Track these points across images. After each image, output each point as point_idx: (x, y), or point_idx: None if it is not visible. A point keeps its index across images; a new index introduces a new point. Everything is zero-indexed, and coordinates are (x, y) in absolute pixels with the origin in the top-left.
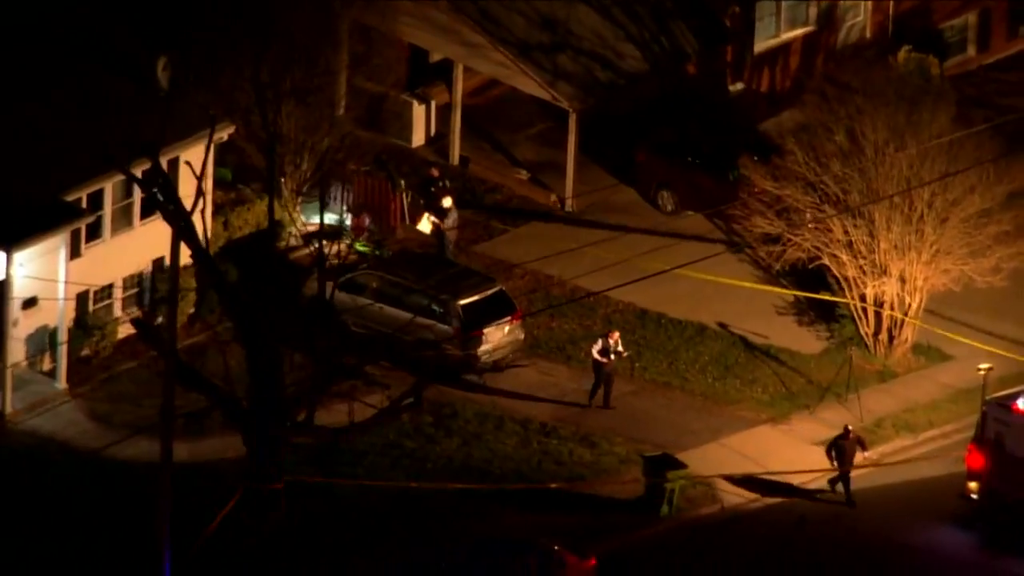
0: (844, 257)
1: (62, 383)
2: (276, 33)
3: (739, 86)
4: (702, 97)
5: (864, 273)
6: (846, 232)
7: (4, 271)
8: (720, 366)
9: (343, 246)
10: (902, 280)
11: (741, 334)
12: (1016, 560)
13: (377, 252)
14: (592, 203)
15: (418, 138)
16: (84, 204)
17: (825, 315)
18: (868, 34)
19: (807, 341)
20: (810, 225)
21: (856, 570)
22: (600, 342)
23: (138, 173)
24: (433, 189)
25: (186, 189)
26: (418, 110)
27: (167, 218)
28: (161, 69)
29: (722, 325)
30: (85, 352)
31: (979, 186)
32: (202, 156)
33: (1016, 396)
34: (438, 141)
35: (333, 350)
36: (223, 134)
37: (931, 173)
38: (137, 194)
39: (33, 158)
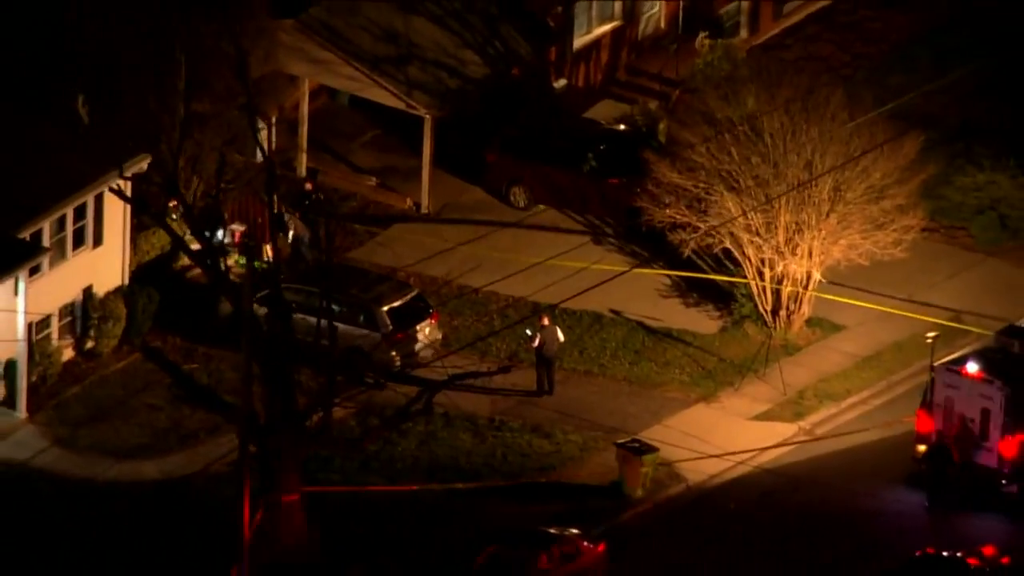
0: (746, 238)
1: (22, 412)
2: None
3: (562, 82)
4: (532, 95)
5: (763, 252)
6: (746, 215)
7: None
8: (630, 351)
9: (231, 262)
10: (806, 256)
11: (637, 319)
12: (966, 516)
13: (260, 264)
14: (446, 204)
15: (261, 154)
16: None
17: (710, 295)
18: (663, 24)
19: (701, 321)
20: (667, 209)
21: (820, 535)
22: (538, 337)
23: (70, 209)
24: (307, 202)
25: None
26: (262, 127)
27: (192, 255)
28: (80, 105)
29: (615, 312)
30: (32, 379)
31: (880, 160)
32: (123, 187)
33: (964, 360)
34: (279, 155)
35: (342, 364)
36: (142, 164)
37: (833, 153)
38: (70, 228)
39: None
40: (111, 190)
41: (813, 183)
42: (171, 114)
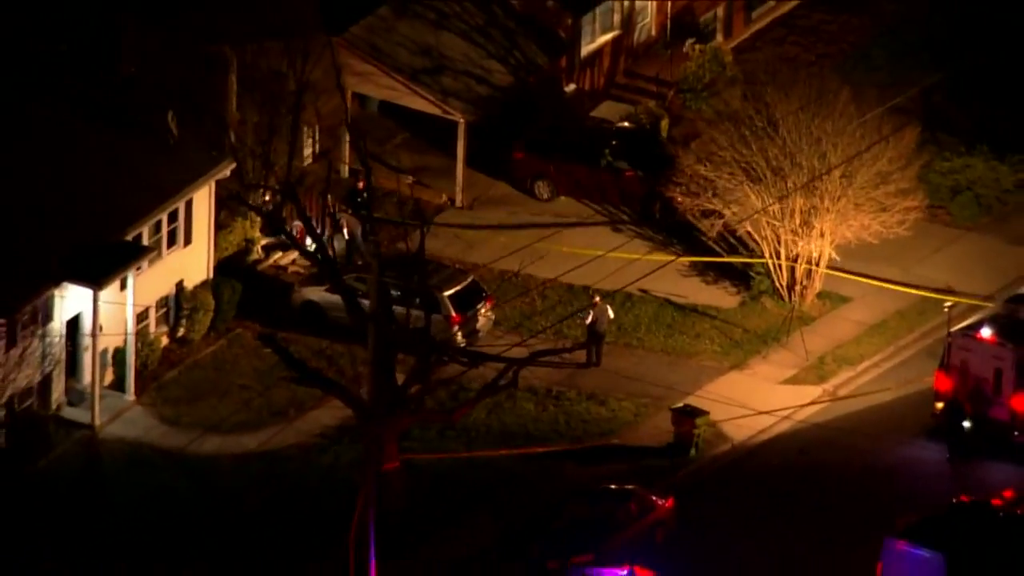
0: (764, 221)
1: (131, 394)
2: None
3: (572, 87)
4: (547, 99)
5: (780, 233)
6: (766, 204)
7: (93, 305)
8: (662, 325)
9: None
10: (819, 236)
11: (664, 297)
12: (979, 464)
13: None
14: (475, 198)
15: (308, 157)
16: None
17: (727, 273)
18: (654, 32)
19: (722, 297)
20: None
21: (854, 484)
22: (591, 314)
23: (164, 214)
24: (359, 199)
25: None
26: (308, 132)
27: (305, 253)
28: (170, 119)
29: (643, 291)
30: (136, 365)
31: (886, 150)
32: (207, 195)
33: (978, 326)
34: (323, 157)
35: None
36: (226, 171)
37: (844, 145)
38: (164, 230)
39: (84, 209)
40: (230, 198)
41: (828, 172)
42: (248, 128)
